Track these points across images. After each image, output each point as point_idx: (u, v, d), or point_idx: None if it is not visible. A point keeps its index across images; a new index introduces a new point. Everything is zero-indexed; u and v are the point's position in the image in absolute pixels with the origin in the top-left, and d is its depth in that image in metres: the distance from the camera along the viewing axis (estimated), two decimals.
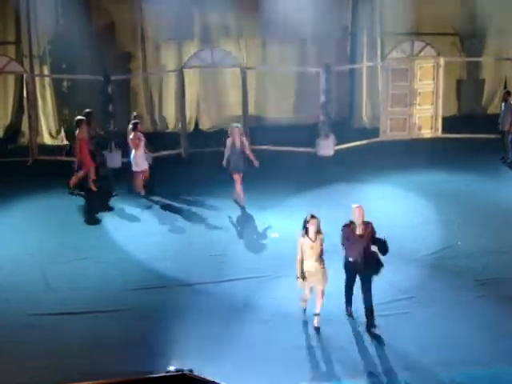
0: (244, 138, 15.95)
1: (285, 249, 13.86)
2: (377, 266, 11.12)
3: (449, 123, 21.68)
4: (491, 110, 23.66)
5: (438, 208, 15.87)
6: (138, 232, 14.96)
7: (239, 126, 15.97)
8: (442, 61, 21.29)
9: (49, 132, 21.85)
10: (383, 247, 11.13)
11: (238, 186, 15.94)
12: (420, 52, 21.23)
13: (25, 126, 21.13)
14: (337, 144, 20.34)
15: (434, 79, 21.35)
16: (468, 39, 23.28)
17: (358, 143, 20.85)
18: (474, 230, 14.72)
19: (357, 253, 10.97)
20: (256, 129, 20.66)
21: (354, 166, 18.82)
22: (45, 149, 20.83)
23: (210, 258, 13.69)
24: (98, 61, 20.26)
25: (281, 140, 19.54)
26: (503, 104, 19.16)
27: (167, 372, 6.92)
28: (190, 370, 6.64)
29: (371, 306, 10.99)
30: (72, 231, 15.10)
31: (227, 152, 15.75)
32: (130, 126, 17.30)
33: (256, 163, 15.83)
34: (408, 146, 20.37)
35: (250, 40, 22.83)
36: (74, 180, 17.30)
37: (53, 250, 14.13)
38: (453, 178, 17.71)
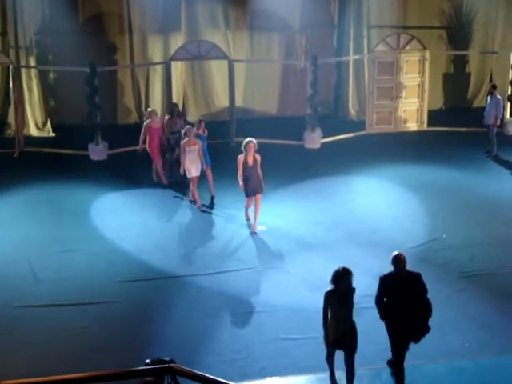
0: (258, 156, 14.14)
1: (272, 241, 13.96)
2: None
3: (434, 116, 21.79)
4: (477, 104, 23.83)
5: (424, 201, 15.97)
6: (125, 224, 14.96)
7: (254, 141, 14.12)
8: (427, 54, 21.37)
9: (35, 124, 21.79)
10: (426, 309, 9.17)
11: (258, 209, 14.28)
12: (406, 45, 21.30)
13: (11, 118, 21.07)
14: (323, 137, 20.41)
15: (419, 73, 21.44)
16: (454, 33, 23.38)
17: (344, 136, 20.92)
18: (459, 222, 14.83)
19: (403, 310, 9.02)
20: (243, 121, 20.67)
21: (340, 159, 18.89)
22: (31, 140, 20.78)
23: (197, 250, 13.73)
24: (85, 52, 20.19)
25: (268, 133, 19.57)
26: (488, 97, 19.22)
27: (146, 365, 6.92)
28: (171, 360, 6.66)
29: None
30: (59, 223, 15.08)
31: (240, 171, 14.05)
32: (189, 127, 15.69)
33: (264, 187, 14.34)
34: (394, 139, 20.47)
35: (237, 32, 22.84)
36: (155, 175, 17.32)
37: (39, 242, 14.11)
38: (438, 171, 17.81)
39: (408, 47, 21.33)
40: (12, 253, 13.65)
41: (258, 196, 14.18)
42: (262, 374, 9.75)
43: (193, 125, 16.29)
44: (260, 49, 23.03)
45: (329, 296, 8.93)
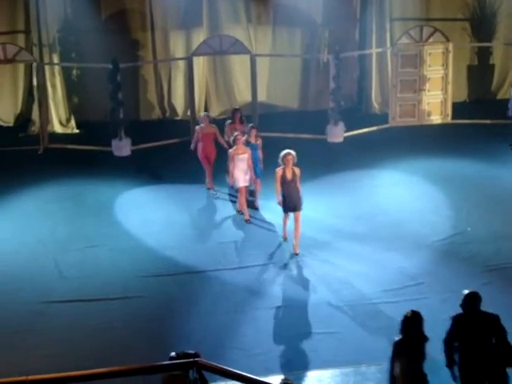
0: (297, 169, 13.12)
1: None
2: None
3: (458, 109, 21.60)
4: (501, 95, 23.57)
5: (448, 194, 15.85)
6: (148, 219, 15.00)
7: (293, 152, 13.10)
8: (450, 46, 21.21)
9: (59, 120, 21.91)
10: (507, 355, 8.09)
11: (298, 228, 13.13)
12: (429, 38, 21.15)
13: (35, 115, 21.20)
14: (346, 131, 20.33)
15: (443, 65, 21.28)
16: (478, 24, 23.19)
17: (367, 130, 20.81)
18: (483, 215, 14.70)
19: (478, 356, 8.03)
20: (265, 116, 20.66)
21: (363, 152, 18.79)
22: (55, 137, 20.90)
23: (220, 245, 13.74)
24: (108, 49, 20.26)
25: (290, 127, 19.54)
26: (511, 91, 19.01)
27: (170, 358, 6.94)
28: (196, 353, 6.68)
29: None
30: (83, 219, 15.16)
31: (278, 186, 13.04)
32: (238, 134, 14.84)
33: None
34: (417, 132, 20.32)
35: (258, 27, 22.79)
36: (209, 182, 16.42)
37: (64, 238, 14.20)
38: (462, 164, 17.67)
39: (431, 39, 21.16)
40: (37, 249, 13.76)
41: (298, 214, 13.05)
42: (286, 369, 9.75)
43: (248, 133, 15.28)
44: (282, 43, 22.97)
45: (398, 347, 7.84)
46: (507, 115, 18.92)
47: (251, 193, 15.41)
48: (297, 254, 13.04)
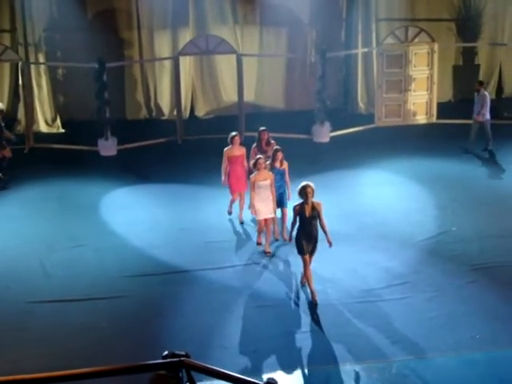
0: (319, 202, 11.44)
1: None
2: None
3: (444, 109, 21.72)
4: None
5: (433, 193, 15.93)
6: (134, 219, 14.99)
7: (312, 185, 11.37)
8: (436, 46, 21.31)
9: (45, 120, 21.86)
10: None
11: (308, 271, 11.52)
12: (415, 38, 21.24)
13: (21, 114, 21.16)
14: (332, 131, 20.38)
15: (428, 65, 21.38)
16: (463, 25, 23.29)
17: (353, 130, 20.88)
18: (469, 215, 14.79)
19: None
20: (252, 115, 20.67)
21: (349, 152, 18.86)
22: (41, 137, 20.85)
23: (206, 244, 13.73)
24: (94, 48, 20.22)
25: (276, 127, 19.55)
26: (476, 94, 18.65)
27: (164, 357, 6.94)
28: (186, 354, 6.68)
29: None
30: (69, 219, 15.13)
31: (296, 223, 11.47)
32: (259, 157, 13.12)
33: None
34: (403, 132, 20.42)
35: (245, 27, 22.81)
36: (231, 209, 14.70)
37: (50, 238, 14.16)
38: (448, 164, 17.76)
39: (416, 40, 21.27)
40: (22, 248, 13.72)
41: (311, 257, 11.47)
42: (272, 368, 9.76)
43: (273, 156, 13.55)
44: (269, 43, 22.99)
45: None
46: (475, 120, 18.68)
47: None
48: (317, 303, 11.29)
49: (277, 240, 13.49)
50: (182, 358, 6.10)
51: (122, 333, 10.81)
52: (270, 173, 13.05)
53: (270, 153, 13.76)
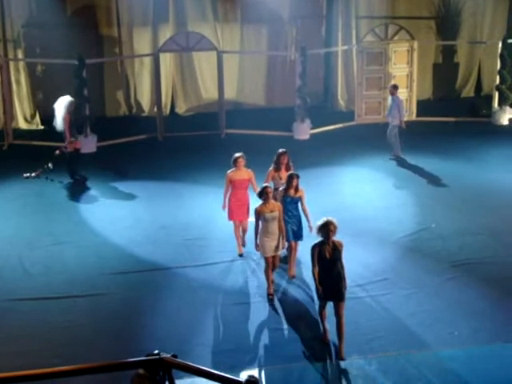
0: (340, 241, 9.96)
1: None
2: None
3: (423, 107, 21.83)
4: (465, 94, 23.98)
5: (413, 191, 16.02)
6: (114, 216, 14.94)
7: (335, 221, 9.88)
8: (415, 44, 21.39)
9: (23, 116, 21.75)
10: None
11: (343, 329, 9.92)
12: (394, 36, 21.33)
13: None
14: (313, 128, 20.42)
15: (408, 63, 21.46)
16: (443, 23, 23.42)
17: (333, 127, 20.94)
18: (448, 212, 14.87)
19: None
20: (232, 112, 20.67)
21: (329, 149, 18.92)
22: (20, 133, 20.74)
23: (186, 241, 13.71)
24: (73, 45, 20.13)
25: (257, 124, 19.58)
26: (390, 98, 18.31)
27: (149, 355, 6.91)
28: (173, 355, 6.67)
29: None
30: (48, 216, 15.06)
31: (316, 267, 9.89)
32: (267, 186, 11.53)
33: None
34: (383, 130, 20.45)
35: (225, 24, 22.81)
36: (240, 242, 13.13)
37: (29, 235, 14.08)
38: (427, 161, 17.85)
39: (396, 37, 21.36)
40: (1, 246, 13.63)
41: (341, 305, 9.87)
42: (253, 365, 9.77)
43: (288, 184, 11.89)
44: (249, 40, 23.02)
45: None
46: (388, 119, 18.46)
47: (284, 258, 12.39)
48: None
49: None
50: (162, 356, 6.08)
51: (102, 330, 10.76)
52: (278, 204, 11.43)
53: (284, 180, 12.14)
